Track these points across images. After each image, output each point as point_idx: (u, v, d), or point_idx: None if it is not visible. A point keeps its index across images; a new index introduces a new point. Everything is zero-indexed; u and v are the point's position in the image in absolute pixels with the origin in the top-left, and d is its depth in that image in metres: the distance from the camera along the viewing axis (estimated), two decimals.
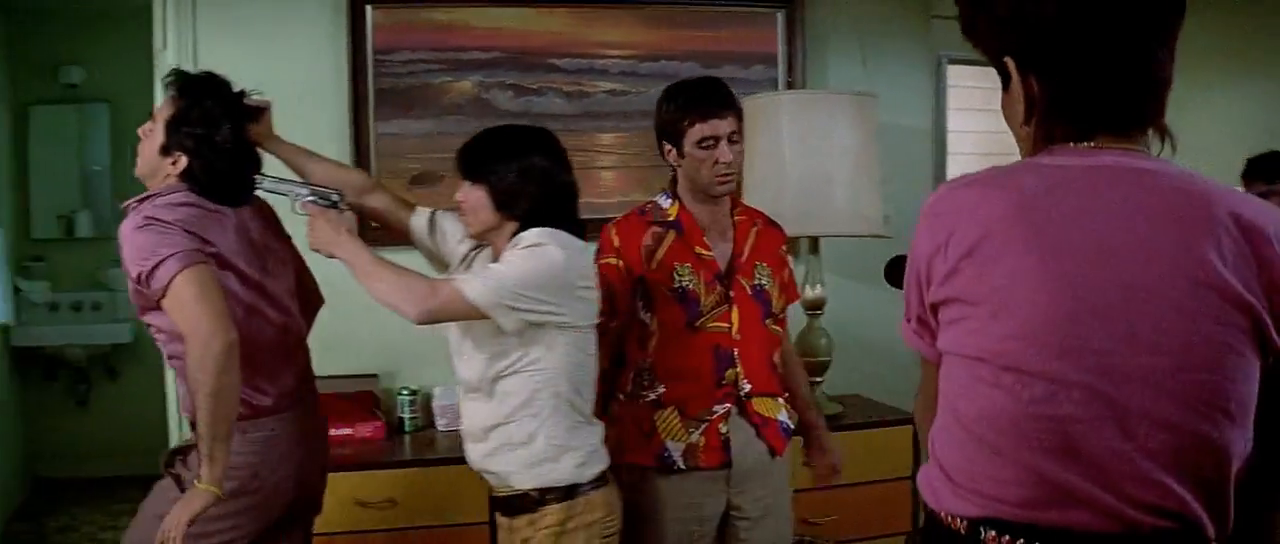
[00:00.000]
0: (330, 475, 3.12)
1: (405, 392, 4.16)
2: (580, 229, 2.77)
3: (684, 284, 3.06)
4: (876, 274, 4.37)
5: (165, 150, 2.76)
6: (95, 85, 6.75)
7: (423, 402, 4.23)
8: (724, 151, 3.01)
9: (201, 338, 2.51)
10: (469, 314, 2.61)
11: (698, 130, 3.02)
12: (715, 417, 3.07)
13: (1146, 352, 1.56)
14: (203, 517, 2.57)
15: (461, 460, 2.91)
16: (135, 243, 2.58)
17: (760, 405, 3.13)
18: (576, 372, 2.73)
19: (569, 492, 2.72)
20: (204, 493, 2.56)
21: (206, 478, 2.56)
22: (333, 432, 3.50)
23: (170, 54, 4.17)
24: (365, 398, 4.13)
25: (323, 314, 3.12)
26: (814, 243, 4.22)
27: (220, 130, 2.77)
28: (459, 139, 3.98)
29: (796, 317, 4.12)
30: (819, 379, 4.21)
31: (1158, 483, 1.56)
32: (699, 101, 3.03)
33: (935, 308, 1.70)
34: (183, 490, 2.68)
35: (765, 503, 3.15)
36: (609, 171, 4.40)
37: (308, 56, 4.20)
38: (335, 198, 2.90)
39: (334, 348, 3.72)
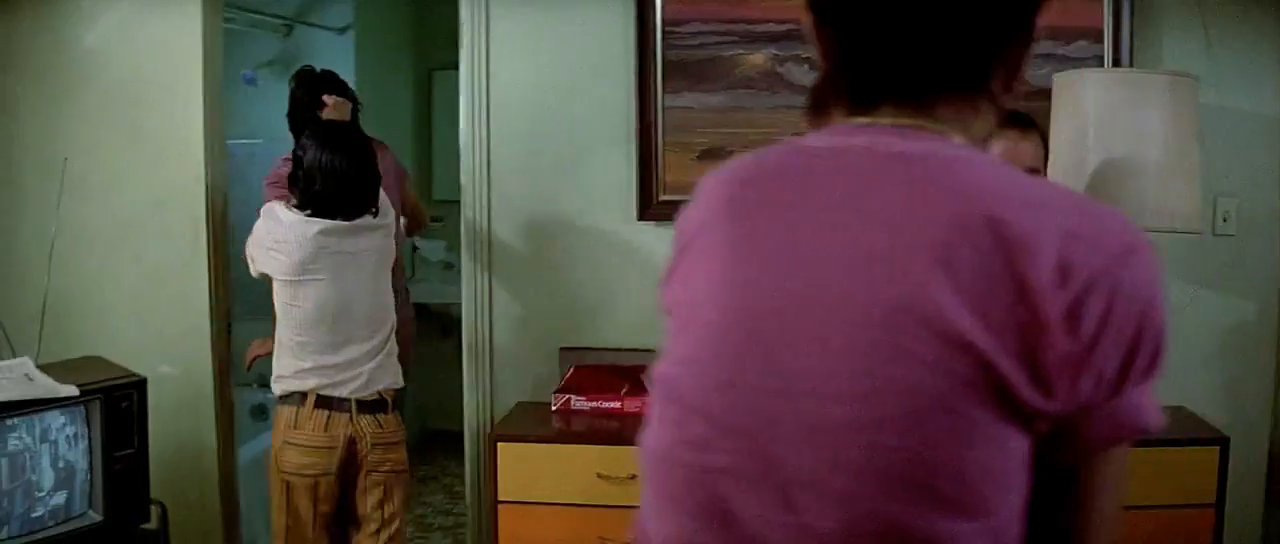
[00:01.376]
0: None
1: None
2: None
3: None
4: (1204, 274, 3.95)
5: None
6: None
7: None
8: None
9: None
10: None
11: None
12: None
13: (819, 398, 1.15)
14: None
15: None
16: None
17: None
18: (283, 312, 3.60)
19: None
20: None
21: None
22: None
23: (466, 29, 4.15)
24: None
25: None
26: None
27: None
28: (751, 114, 3.86)
29: None
30: None
31: None
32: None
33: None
34: None
35: None
36: None
37: (597, 27, 4.12)
38: None
39: None
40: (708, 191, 1.33)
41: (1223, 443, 3.74)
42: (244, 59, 5.81)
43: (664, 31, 4.06)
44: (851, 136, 1.25)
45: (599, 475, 3.75)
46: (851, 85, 1.26)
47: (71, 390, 3.51)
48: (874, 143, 1.23)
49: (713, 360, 1.22)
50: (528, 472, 3.82)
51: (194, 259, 4.23)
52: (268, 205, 3.66)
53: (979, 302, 1.11)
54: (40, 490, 3.46)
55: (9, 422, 3.36)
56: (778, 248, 1.22)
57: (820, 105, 1.29)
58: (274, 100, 5.03)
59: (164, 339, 4.26)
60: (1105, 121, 3.65)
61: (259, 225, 3.62)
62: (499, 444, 3.85)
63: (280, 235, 3.54)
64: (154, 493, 3.74)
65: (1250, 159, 4.09)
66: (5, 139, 4.25)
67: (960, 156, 1.22)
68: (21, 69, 4.23)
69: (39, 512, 3.43)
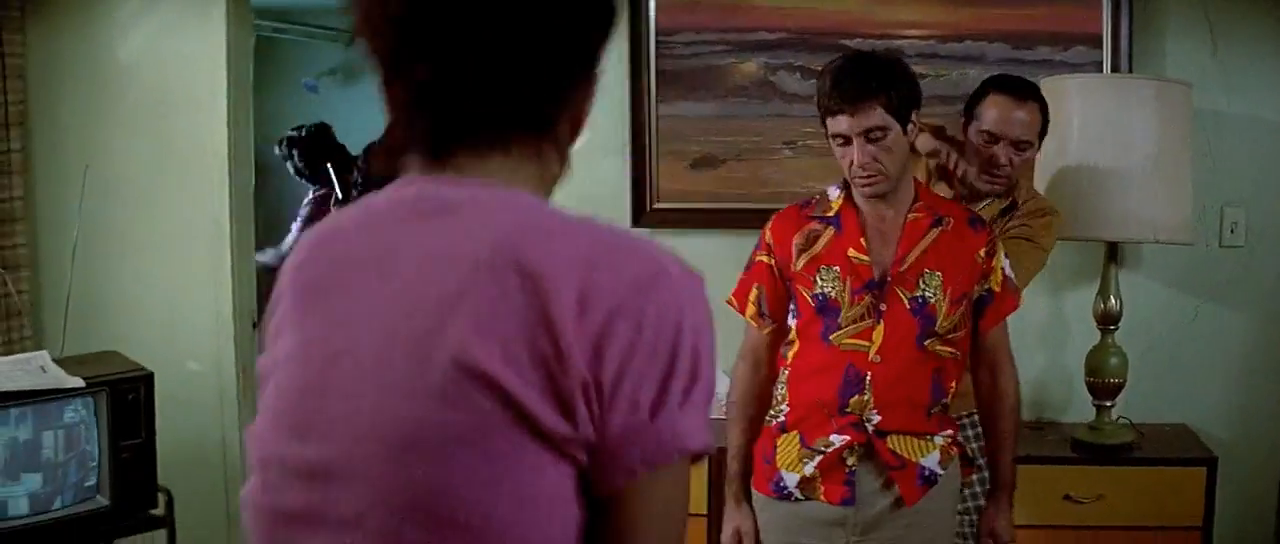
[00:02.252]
0: None
1: None
2: None
3: (825, 290, 2.75)
4: (1200, 287, 3.86)
5: None
6: None
7: None
8: (856, 151, 2.67)
9: None
10: None
11: (829, 126, 2.73)
12: (832, 448, 2.71)
13: (359, 441, 1.20)
14: None
15: None
16: None
17: (898, 444, 2.72)
18: None
19: None
20: None
21: None
22: None
23: None
24: None
25: None
26: (1112, 249, 3.73)
27: None
28: (744, 122, 3.91)
29: (1088, 332, 3.70)
30: (1110, 403, 3.73)
31: None
32: (826, 95, 2.71)
33: None
34: None
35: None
36: None
37: None
38: None
39: None
40: (285, 266, 1.39)
41: (1210, 463, 3.64)
42: (306, 67, 6.04)
43: (657, 41, 4.10)
44: (405, 189, 1.30)
45: None
46: (419, 135, 1.30)
47: (77, 382, 3.73)
48: (422, 193, 1.28)
49: (285, 412, 1.29)
50: None
51: (220, 262, 4.43)
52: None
53: (501, 337, 1.16)
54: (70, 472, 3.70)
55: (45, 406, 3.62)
56: (334, 305, 1.29)
57: (393, 154, 1.32)
58: (337, 106, 5.27)
59: (192, 337, 4.47)
60: (1089, 129, 3.61)
61: None
62: None
63: None
64: (174, 484, 3.94)
65: (1259, 167, 3.96)
66: (46, 145, 4.50)
67: (501, 199, 1.27)
68: (61, 78, 4.47)
69: (91, 481, 3.70)
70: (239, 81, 4.45)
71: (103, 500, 3.76)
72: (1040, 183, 3.62)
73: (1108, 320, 3.72)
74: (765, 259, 2.85)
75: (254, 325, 4.59)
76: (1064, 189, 3.58)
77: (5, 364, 3.80)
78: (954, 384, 2.79)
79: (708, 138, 4.13)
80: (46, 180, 4.54)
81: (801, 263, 2.78)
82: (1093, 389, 3.76)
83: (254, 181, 4.94)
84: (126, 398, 3.81)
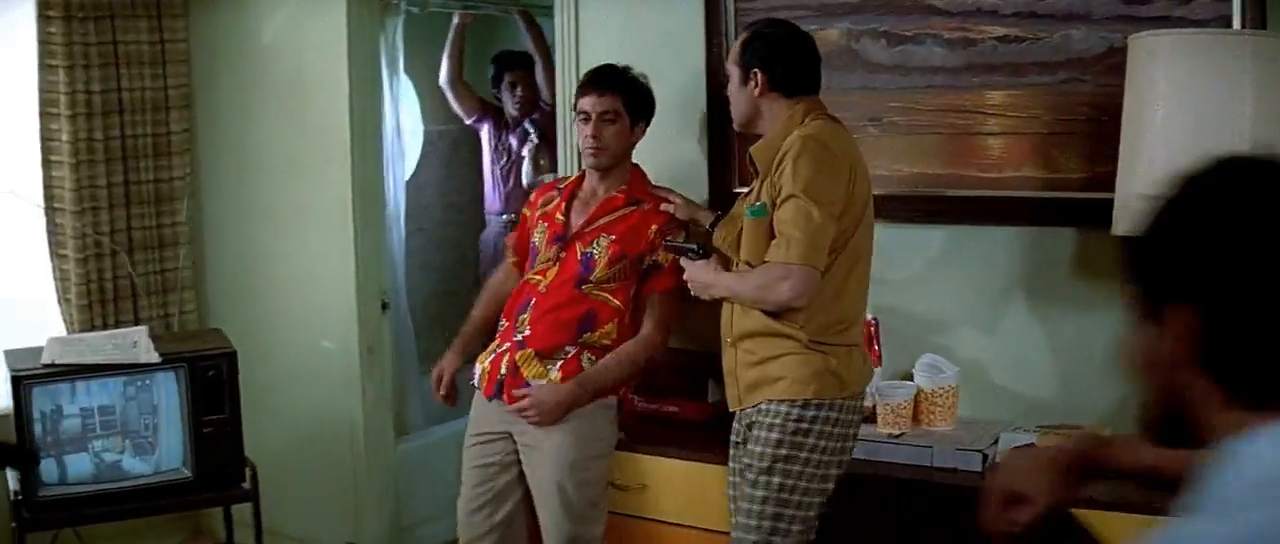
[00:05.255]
0: None
1: None
2: None
3: (535, 240, 3.65)
4: None
5: None
6: None
7: None
8: (587, 127, 3.53)
9: None
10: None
11: (578, 105, 3.57)
12: (498, 352, 3.57)
13: None
14: None
15: None
16: None
17: (522, 358, 3.50)
18: None
19: None
20: None
21: None
22: None
23: (558, 17, 4.09)
24: None
25: None
26: None
27: None
28: (825, 97, 3.54)
29: None
30: None
31: None
32: (584, 80, 3.60)
33: None
34: None
35: (527, 442, 3.51)
36: (997, 139, 3.49)
37: (661, 3, 3.86)
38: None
39: None
40: None
41: None
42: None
43: (736, 6, 3.75)
44: None
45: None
46: None
47: (153, 357, 3.86)
48: None
49: None
50: None
51: (345, 245, 4.46)
52: None
53: None
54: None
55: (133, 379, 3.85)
56: None
57: None
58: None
59: (325, 316, 4.53)
60: (1175, 92, 2.95)
61: None
62: None
63: None
64: (301, 462, 4.04)
65: None
66: (206, 125, 4.71)
67: None
68: (217, 61, 4.66)
69: (176, 452, 3.88)
70: (363, 63, 4.46)
71: (186, 472, 3.88)
72: (1125, 151, 3.00)
73: None
74: (526, 213, 3.80)
75: (383, 308, 4.59)
76: (1145, 159, 2.94)
77: (101, 338, 4.01)
78: (609, 325, 3.52)
79: None
80: (207, 160, 4.74)
81: (535, 219, 3.70)
82: None
83: (413, 163, 4.97)
84: (206, 375, 3.91)
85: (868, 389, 3.25)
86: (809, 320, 3.00)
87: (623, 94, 3.51)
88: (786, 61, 3.14)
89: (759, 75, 3.13)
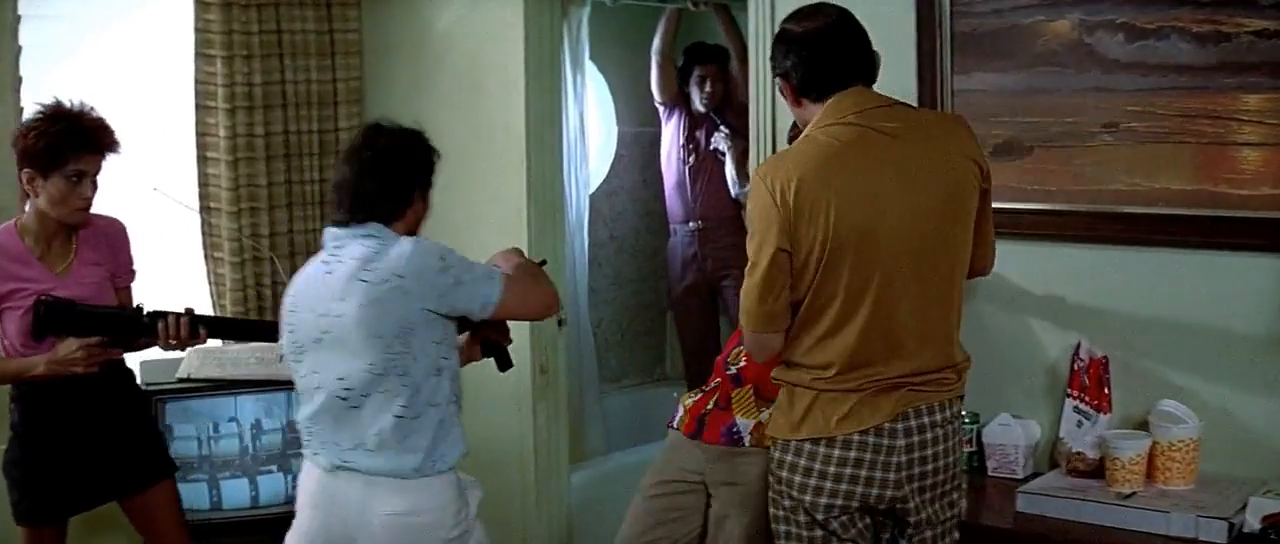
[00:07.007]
0: None
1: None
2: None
3: None
4: None
5: None
6: None
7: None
8: None
9: None
10: None
11: None
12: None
13: None
14: None
15: None
16: None
17: (738, 396, 3.17)
18: None
19: None
20: None
21: None
22: None
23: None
24: None
25: None
26: None
27: None
28: (1053, 97, 3.14)
29: None
30: None
31: None
32: None
33: None
34: None
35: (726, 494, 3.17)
36: (1254, 150, 2.97)
37: None
38: None
39: None
40: None
41: None
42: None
43: None
44: None
45: None
46: None
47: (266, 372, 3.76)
48: None
49: None
50: None
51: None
52: None
53: None
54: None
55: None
56: None
57: None
58: None
59: None
60: None
61: None
62: None
63: None
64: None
65: None
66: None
67: None
68: (392, 52, 4.42)
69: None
70: (541, 56, 4.16)
71: None
72: None
73: None
74: None
75: (560, 324, 4.28)
76: None
77: (245, 351, 3.82)
78: None
79: (1014, 117, 3.25)
80: None
81: None
82: None
83: (605, 167, 4.68)
84: None
85: (1088, 439, 3.03)
86: (803, 361, 2.75)
87: None
88: (808, 61, 2.71)
89: (784, 86, 2.79)
